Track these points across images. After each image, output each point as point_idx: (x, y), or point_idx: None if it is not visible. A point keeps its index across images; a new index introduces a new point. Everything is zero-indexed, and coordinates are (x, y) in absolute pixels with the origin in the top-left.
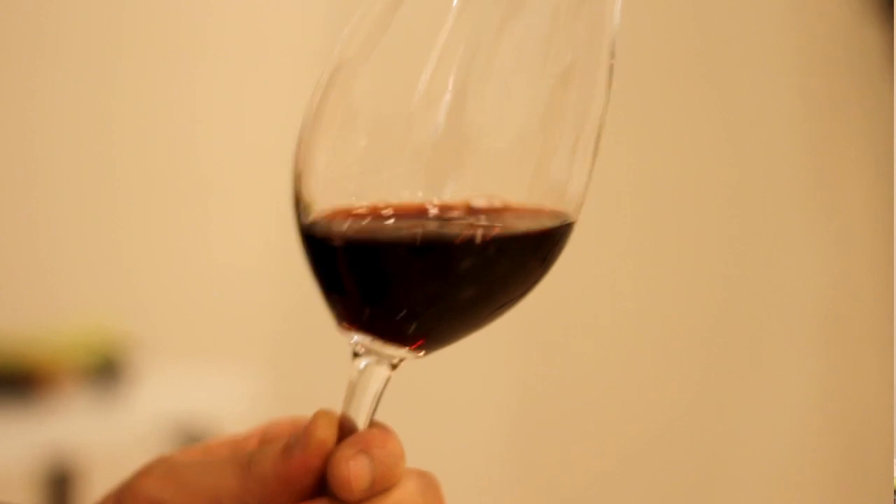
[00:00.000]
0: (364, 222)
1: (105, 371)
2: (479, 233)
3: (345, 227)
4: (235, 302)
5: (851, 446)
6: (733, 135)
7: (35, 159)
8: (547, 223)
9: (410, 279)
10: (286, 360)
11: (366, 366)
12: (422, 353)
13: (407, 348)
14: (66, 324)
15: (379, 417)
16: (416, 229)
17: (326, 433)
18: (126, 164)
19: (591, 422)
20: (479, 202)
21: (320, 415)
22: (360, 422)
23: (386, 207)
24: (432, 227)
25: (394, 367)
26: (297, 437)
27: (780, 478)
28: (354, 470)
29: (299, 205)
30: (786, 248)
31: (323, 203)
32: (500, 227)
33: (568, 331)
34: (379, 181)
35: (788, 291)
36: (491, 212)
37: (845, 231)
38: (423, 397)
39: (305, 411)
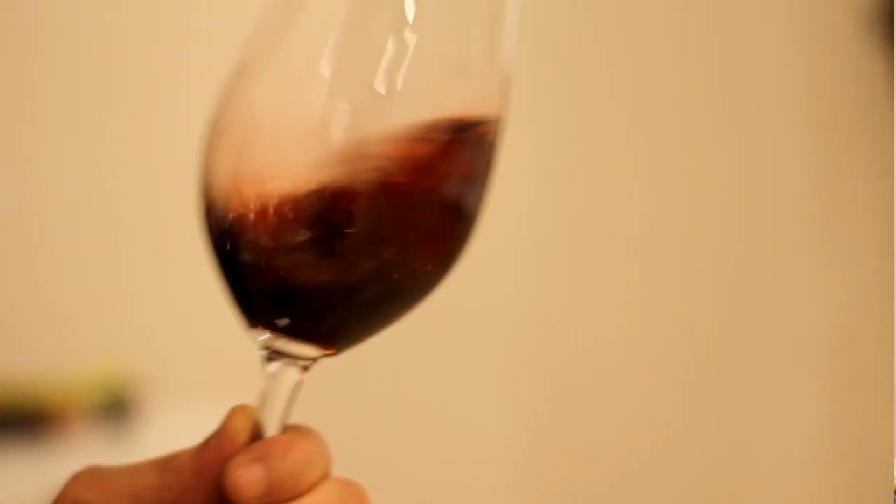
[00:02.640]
0: (266, 220)
1: (115, 410)
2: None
3: (247, 225)
4: (247, 341)
5: (852, 446)
6: (742, 168)
7: (43, 197)
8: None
9: (307, 272)
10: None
11: (275, 370)
12: (332, 351)
13: (315, 345)
14: (75, 362)
15: (388, 441)
16: (314, 222)
17: (239, 423)
18: (139, 203)
19: (598, 441)
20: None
21: (236, 407)
22: (270, 428)
23: (290, 199)
24: (329, 216)
25: (305, 369)
26: (213, 431)
27: (784, 478)
28: (244, 477)
29: (208, 212)
30: (794, 273)
31: (226, 207)
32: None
33: (577, 355)
34: (285, 181)
35: (796, 312)
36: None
37: (851, 259)
38: (433, 419)
39: None
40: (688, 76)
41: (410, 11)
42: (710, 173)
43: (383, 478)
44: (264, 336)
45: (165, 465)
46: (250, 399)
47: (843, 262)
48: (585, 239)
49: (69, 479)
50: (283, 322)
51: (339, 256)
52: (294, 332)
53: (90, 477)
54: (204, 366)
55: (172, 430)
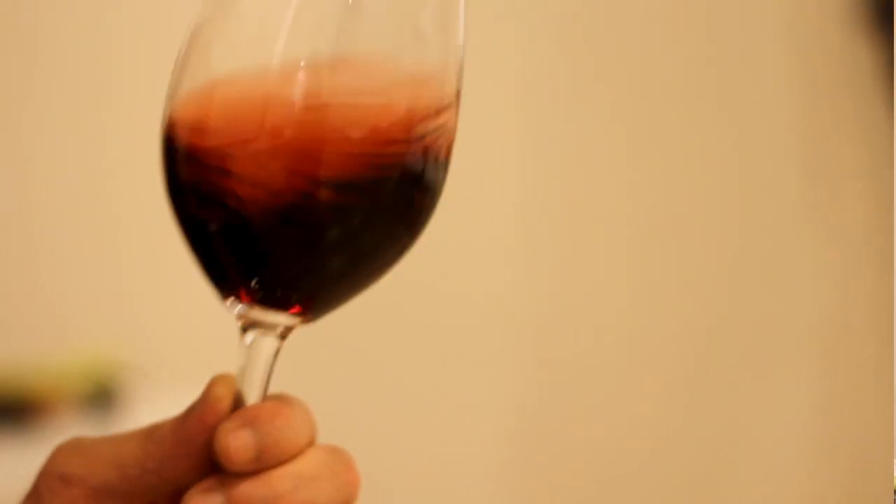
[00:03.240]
0: (226, 179)
1: (101, 399)
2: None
3: (209, 186)
4: (233, 330)
5: (852, 446)
6: (734, 156)
7: (36, 191)
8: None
9: (273, 237)
10: (282, 387)
11: (253, 340)
12: (305, 318)
13: (287, 312)
14: (61, 351)
15: (378, 436)
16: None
17: (221, 391)
18: (125, 191)
19: (589, 436)
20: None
21: (217, 376)
22: (252, 396)
23: (249, 157)
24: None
25: (282, 337)
26: (195, 399)
27: (782, 479)
28: (234, 442)
29: (170, 173)
30: (787, 265)
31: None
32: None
33: (567, 349)
34: (244, 139)
35: (790, 304)
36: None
37: (849, 253)
38: (421, 410)
39: None
40: (680, 70)
41: None
42: (703, 167)
43: (372, 473)
44: (238, 307)
45: (148, 434)
46: None
47: (840, 256)
48: (577, 233)
49: (53, 451)
50: (254, 288)
51: (299, 213)
52: (264, 300)
53: (74, 447)
54: (190, 355)
55: (157, 418)
